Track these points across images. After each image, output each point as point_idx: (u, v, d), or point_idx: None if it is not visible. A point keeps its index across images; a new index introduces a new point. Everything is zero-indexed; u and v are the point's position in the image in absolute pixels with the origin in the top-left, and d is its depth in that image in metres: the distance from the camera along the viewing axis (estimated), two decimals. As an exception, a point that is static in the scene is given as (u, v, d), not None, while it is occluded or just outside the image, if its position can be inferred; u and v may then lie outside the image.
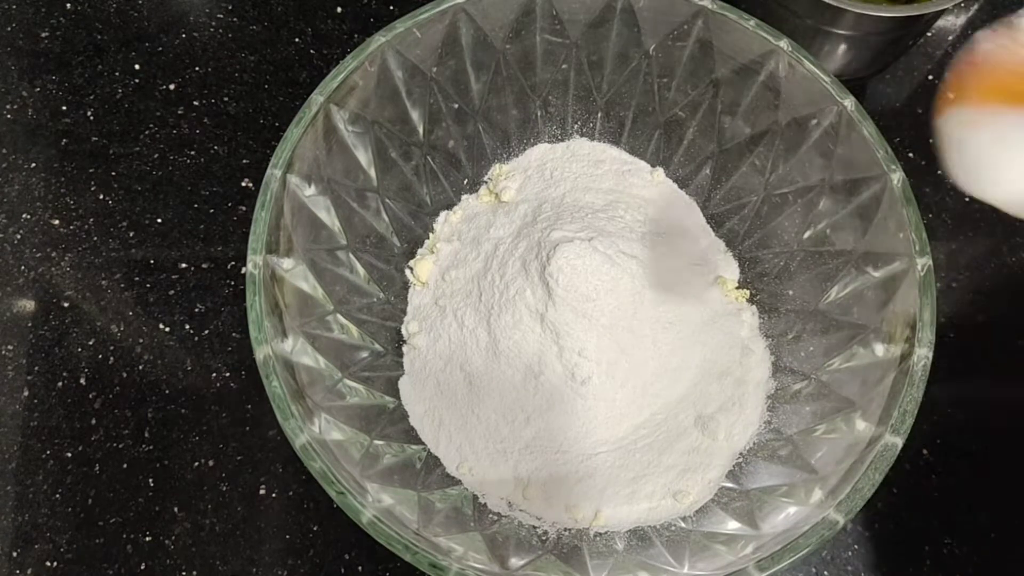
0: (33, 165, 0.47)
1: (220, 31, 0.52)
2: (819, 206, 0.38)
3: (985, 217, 0.48)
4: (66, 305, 0.44)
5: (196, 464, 0.40)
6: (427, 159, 0.41)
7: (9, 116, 0.48)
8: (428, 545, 0.28)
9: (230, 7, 0.52)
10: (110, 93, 0.49)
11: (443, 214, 0.43)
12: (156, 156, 0.48)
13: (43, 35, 0.51)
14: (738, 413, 0.37)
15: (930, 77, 0.51)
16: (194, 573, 0.38)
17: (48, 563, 0.38)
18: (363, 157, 0.38)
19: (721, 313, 0.39)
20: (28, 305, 0.44)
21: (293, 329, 0.32)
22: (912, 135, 0.49)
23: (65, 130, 0.48)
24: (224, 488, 0.40)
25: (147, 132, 0.48)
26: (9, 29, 0.51)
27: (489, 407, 0.36)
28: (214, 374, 0.42)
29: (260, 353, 0.29)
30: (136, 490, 0.40)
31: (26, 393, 0.42)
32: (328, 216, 0.36)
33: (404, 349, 0.39)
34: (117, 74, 0.50)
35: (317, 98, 0.34)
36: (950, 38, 0.53)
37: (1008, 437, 0.42)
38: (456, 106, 0.41)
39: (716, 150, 0.42)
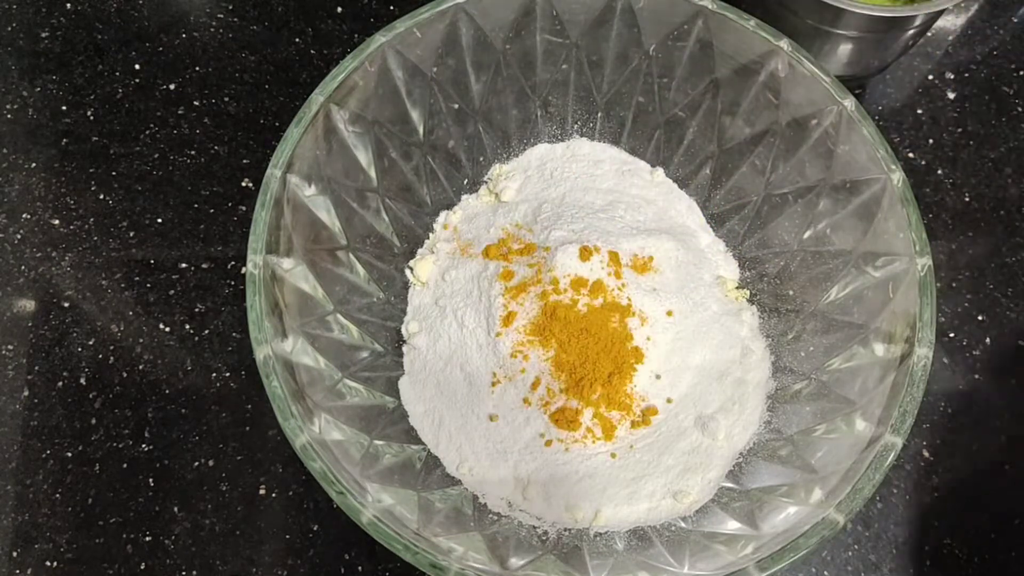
0: (33, 165, 0.47)
1: (220, 31, 0.52)
2: (819, 206, 0.38)
3: (985, 217, 0.48)
4: (66, 305, 0.44)
5: (196, 464, 0.40)
6: (427, 159, 0.41)
7: (9, 116, 0.48)
8: (428, 545, 0.28)
9: (230, 7, 0.52)
10: (110, 93, 0.49)
11: (443, 214, 0.43)
12: (156, 156, 0.48)
13: (43, 35, 0.51)
14: (738, 413, 0.37)
15: (930, 77, 0.51)
16: (194, 573, 0.38)
17: (48, 563, 0.38)
18: (363, 157, 0.38)
19: (721, 313, 0.39)
20: (28, 305, 0.44)
21: (293, 329, 0.32)
22: (912, 135, 0.50)
23: (65, 130, 0.48)
24: (224, 488, 0.40)
25: (147, 132, 0.48)
26: (9, 29, 0.51)
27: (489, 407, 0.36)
28: (214, 374, 0.42)
29: (260, 353, 0.29)
30: (136, 490, 0.40)
31: (26, 393, 0.42)
32: (328, 216, 0.36)
33: (404, 349, 0.39)
34: (117, 74, 0.50)
35: (317, 98, 0.34)
36: (950, 38, 0.53)
37: (1008, 437, 0.42)
38: (456, 106, 0.41)
39: (716, 150, 0.42)
